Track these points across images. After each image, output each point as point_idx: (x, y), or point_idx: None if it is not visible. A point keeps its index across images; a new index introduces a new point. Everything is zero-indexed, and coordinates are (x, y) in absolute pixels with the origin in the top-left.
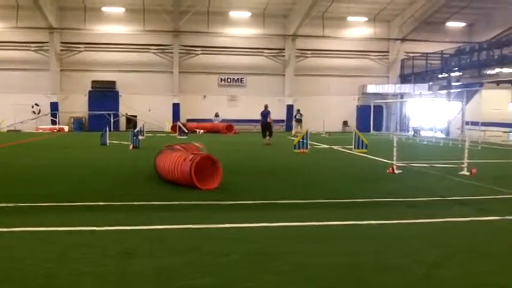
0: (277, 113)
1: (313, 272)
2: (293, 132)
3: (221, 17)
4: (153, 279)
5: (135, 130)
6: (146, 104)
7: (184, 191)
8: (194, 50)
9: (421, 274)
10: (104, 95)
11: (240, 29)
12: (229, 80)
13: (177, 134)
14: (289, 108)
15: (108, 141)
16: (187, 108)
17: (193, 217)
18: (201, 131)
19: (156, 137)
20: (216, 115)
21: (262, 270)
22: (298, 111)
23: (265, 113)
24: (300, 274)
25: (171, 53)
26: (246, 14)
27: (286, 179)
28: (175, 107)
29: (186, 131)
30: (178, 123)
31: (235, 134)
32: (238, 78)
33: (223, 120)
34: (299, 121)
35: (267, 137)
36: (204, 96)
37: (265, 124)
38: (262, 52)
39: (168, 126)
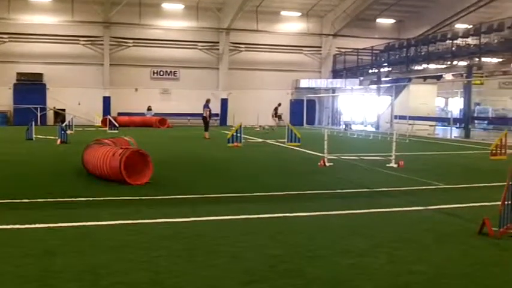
0: (211, 106)
1: (246, 265)
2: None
3: (153, 9)
4: (78, 278)
5: (63, 124)
6: (75, 98)
7: (114, 186)
8: (126, 42)
9: (348, 264)
10: (30, 88)
11: (173, 21)
12: (162, 73)
13: (107, 128)
14: (224, 102)
15: (34, 135)
16: (119, 101)
17: (122, 213)
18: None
19: (85, 131)
20: (149, 109)
21: (194, 265)
22: (280, 104)
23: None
24: (233, 267)
25: (102, 45)
26: (179, 7)
27: (219, 173)
28: (106, 101)
29: (117, 125)
30: (109, 117)
31: (168, 128)
32: (171, 71)
33: (156, 114)
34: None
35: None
36: (136, 90)
37: (203, 118)
38: (196, 45)
39: (98, 120)
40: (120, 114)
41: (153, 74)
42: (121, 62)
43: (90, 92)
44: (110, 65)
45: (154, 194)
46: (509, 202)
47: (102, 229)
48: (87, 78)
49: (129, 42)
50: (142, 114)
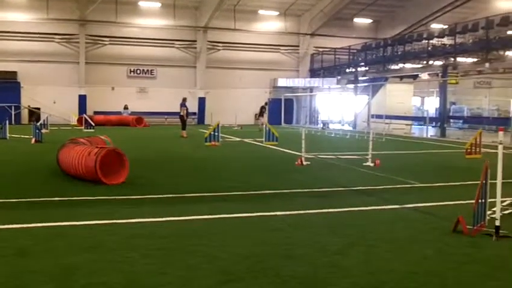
0: (189, 105)
1: (223, 264)
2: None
3: (130, 7)
4: (51, 279)
5: (38, 123)
6: (51, 96)
7: (89, 186)
8: (102, 40)
9: (325, 262)
10: (3, 86)
11: (150, 19)
12: (138, 72)
13: (83, 127)
14: (201, 100)
15: (8, 135)
16: (95, 100)
17: (97, 213)
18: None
19: (61, 130)
20: (125, 107)
21: (170, 265)
22: (267, 103)
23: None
24: (209, 267)
25: (77, 43)
26: (156, 5)
27: (196, 172)
28: (82, 99)
29: (93, 124)
30: (85, 116)
31: (145, 127)
32: (148, 70)
33: (133, 113)
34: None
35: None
36: (113, 88)
37: (180, 117)
38: (173, 44)
39: (74, 119)
40: (96, 113)
41: (130, 73)
42: (97, 60)
43: (65, 90)
44: (86, 63)
45: (130, 193)
46: (483, 200)
47: (77, 229)
48: (62, 77)
49: (106, 41)
50: (119, 113)
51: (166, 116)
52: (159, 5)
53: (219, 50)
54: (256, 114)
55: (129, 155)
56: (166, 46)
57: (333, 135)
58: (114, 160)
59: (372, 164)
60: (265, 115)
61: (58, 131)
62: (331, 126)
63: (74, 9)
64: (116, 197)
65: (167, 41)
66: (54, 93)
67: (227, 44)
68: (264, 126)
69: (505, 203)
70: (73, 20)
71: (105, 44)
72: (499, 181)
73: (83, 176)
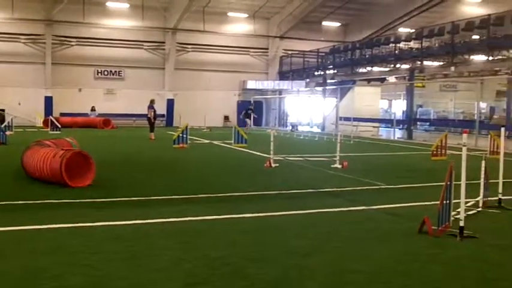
0: (157, 107)
1: (189, 267)
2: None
3: (98, 7)
4: (16, 284)
5: (3, 125)
6: (15, 97)
7: (54, 188)
8: (69, 41)
9: (293, 264)
10: None
11: (118, 20)
12: (106, 73)
13: (49, 129)
14: (170, 102)
15: None
16: (61, 102)
17: (62, 216)
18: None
19: (26, 132)
20: (92, 109)
21: (136, 268)
22: (252, 104)
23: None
24: (176, 270)
25: (44, 43)
26: (124, 6)
27: (163, 174)
28: (48, 101)
29: (59, 126)
30: (51, 117)
31: (113, 129)
32: (116, 71)
33: (100, 115)
34: (249, 116)
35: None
36: (80, 90)
37: (148, 119)
38: (142, 45)
39: (40, 121)
40: (62, 114)
41: (97, 74)
42: (64, 61)
43: (31, 91)
44: (52, 64)
45: (96, 196)
46: (448, 201)
47: (42, 233)
48: (28, 78)
49: (73, 41)
50: (86, 114)
51: (134, 118)
52: (127, 5)
53: (188, 51)
54: (242, 115)
55: (96, 158)
56: (134, 47)
57: (301, 137)
58: (80, 163)
59: (339, 166)
60: (252, 117)
61: (23, 133)
62: (300, 128)
63: (40, 9)
64: (82, 200)
65: (135, 42)
66: (19, 95)
67: (196, 46)
68: (248, 127)
69: (469, 204)
70: (39, 20)
71: (72, 45)
72: (463, 182)
73: (48, 178)
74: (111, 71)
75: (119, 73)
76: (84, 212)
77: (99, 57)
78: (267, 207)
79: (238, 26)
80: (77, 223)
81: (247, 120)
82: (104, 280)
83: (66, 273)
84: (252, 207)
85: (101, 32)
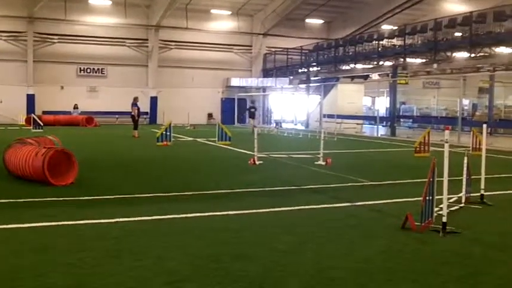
0: (141, 105)
1: (172, 265)
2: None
3: (80, 4)
4: None
5: None
6: None
7: (37, 187)
8: (50, 38)
9: (276, 261)
10: None
11: (100, 17)
12: (88, 71)
13: (31, 127)
14: (153, 100)
15: None
16: (44, 99)
17: (44, 214)
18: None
19: (8, 130)
20: (75, 107)
21: (119, 266)
22: (253, 102)
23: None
24: (158, 267)
25: (25, 40)
26: (106, 2)
27: (147, 172)
28: (30, 99)
29: (42, 124)
30: (33, 115)
31: (96, 127)
32: (98, 69)
33: (83, 113)
34: (253, 114)
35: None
36: (62, 87)
37: (132, 116)
38: (125, 42)
39: (22, 119)
40: (45, 112)
41: (80, 71)
42: (46, 59)
43: (12, 89)
44: (34, 61)
45: (79, 194)
46: (430, 197)
47: (24, 231)
48: (9, 75)
49: (54, 38)
50: (69, 112)
51: (117, 116)
52: (109, 2)
53: (171, 49)
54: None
55: (79, 156)
56: (117, 45)
57: (285, 134)
58: (62, 161)
59: (323, 163)
60: (256, 116)
61: (4, 131)
62: (283, 125)
63: (21, 6)
64: (65, 198)
65: (118, 40)
66: (0, 93)
67: (179, 43)
68: (253, 127)
69: (451, 200)
70: (20, 17)
71: (54, 42)
72: (445, 179)
73: (31, 177)
74: (93, 69)
75: (101, 71)
76: (67, 210)
77: (81, 55)
78: (251, 204)
79: (222, 23)
80: (60, 221)
81: (251, 120)
82: (87, 278)
83: (48, 272)
84: (235, 205)
85: (83, 29)
